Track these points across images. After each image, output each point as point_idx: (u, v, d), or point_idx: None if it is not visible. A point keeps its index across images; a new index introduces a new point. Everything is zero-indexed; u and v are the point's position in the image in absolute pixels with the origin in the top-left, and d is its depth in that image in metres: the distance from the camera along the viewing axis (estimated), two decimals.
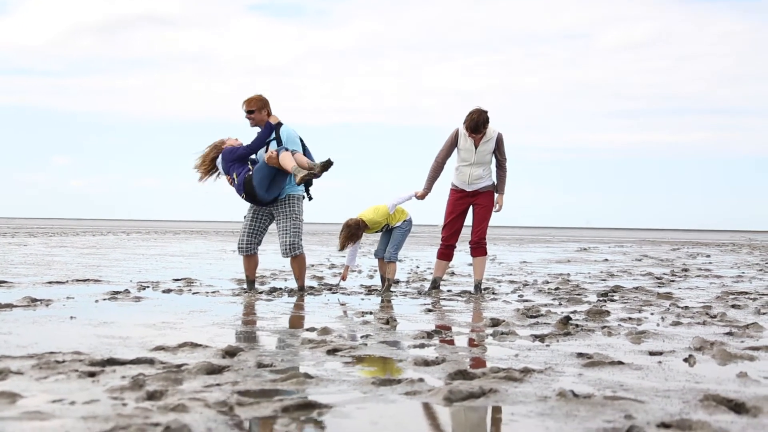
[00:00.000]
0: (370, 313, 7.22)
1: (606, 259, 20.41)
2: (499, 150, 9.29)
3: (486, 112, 9.01)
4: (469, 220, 9.60)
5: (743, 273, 14.82)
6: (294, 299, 8.41)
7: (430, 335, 5.80)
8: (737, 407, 3.59)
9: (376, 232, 9.51)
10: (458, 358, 4.83)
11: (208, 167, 8.92)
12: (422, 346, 5.33)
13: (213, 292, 9.00)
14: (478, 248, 9.48)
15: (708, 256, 24.12)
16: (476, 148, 9.17)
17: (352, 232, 9.14)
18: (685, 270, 15.53)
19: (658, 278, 12.85)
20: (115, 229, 57.56)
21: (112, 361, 4.41)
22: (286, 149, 8.44)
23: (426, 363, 4.63)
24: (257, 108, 8.76)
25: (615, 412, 3.48)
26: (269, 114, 8.81)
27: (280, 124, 8.79)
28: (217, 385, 3.91)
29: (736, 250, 29.95)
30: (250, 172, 8.54)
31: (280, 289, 9.36)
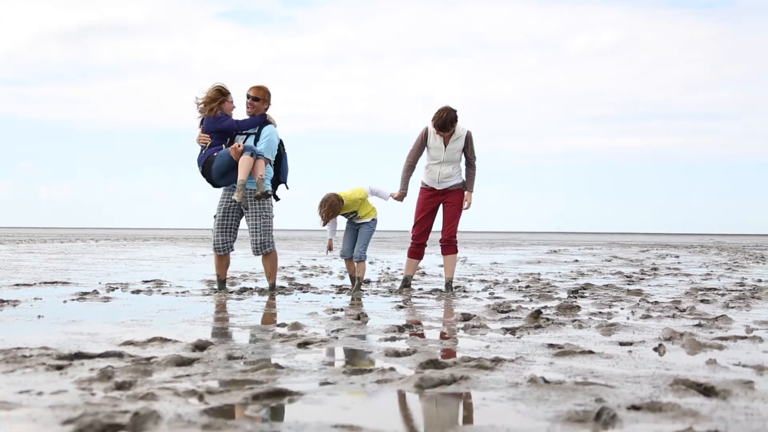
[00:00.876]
0: (341, 310, 7.20)
1: (576, 260, 20.51)
2: (468, 148, 9.29)
3: (454, 111, 9.01)
4: (438, 219, 9.61)
5: (711, 272, 14.95)
6: (265, 298, 8.37)
7: (401, 329, 5.79)
8: (707, 391, 3.61)
9: (345, 215, 9.38)
10: (429, 350, 4.83)
11: (213, 109, 8.72)
12: (393, 339, 5.33)
13: (183, 292, 8.94)
14: (449, 246, 9.49)
15: (677, 256, 24.31)
16: (446, 146, 9.17)
17: (334, 203, 9.01)
18: (655, 269, 15.64)
19: (627, 277, 12.93)
20: (83, 236, 57.07)
21: (80, 355, 4.37)
22: (252, 153, 8.43)
23: (397, 354, 4.63)
24: (263, 98, 8.77)
25: (586, 396, 3.49)
26: (266, 109, 8.84)
27: (266, 122, 8.80)
28: (187, 375, 3.88)
29: (705, 251, 30.22)
30: (215, 154, 8.54)
31: (251, 288, 9.32)
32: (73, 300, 7.87)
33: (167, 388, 3.52)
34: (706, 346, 5.05)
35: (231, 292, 8.88)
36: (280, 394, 3.45)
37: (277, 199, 8.86)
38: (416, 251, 9.60)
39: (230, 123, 8.67)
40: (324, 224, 9.22)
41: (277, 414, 3.16)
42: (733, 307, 7.67)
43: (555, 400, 3.42)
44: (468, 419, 3.16)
